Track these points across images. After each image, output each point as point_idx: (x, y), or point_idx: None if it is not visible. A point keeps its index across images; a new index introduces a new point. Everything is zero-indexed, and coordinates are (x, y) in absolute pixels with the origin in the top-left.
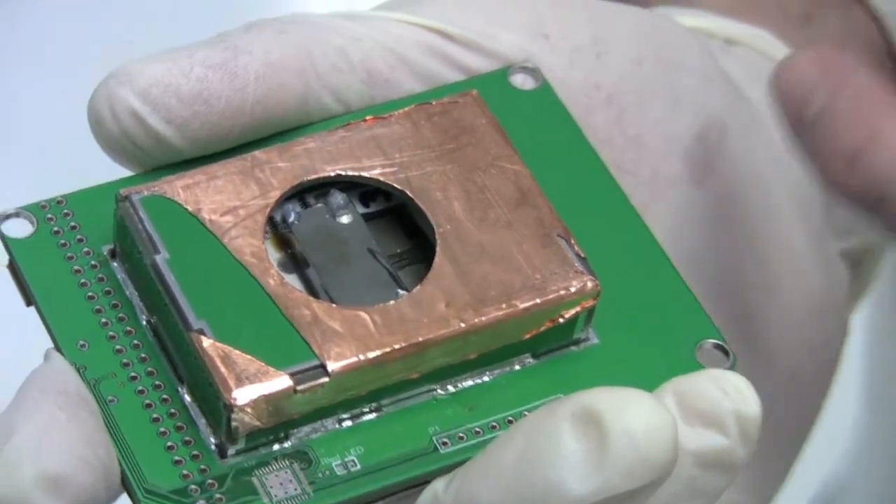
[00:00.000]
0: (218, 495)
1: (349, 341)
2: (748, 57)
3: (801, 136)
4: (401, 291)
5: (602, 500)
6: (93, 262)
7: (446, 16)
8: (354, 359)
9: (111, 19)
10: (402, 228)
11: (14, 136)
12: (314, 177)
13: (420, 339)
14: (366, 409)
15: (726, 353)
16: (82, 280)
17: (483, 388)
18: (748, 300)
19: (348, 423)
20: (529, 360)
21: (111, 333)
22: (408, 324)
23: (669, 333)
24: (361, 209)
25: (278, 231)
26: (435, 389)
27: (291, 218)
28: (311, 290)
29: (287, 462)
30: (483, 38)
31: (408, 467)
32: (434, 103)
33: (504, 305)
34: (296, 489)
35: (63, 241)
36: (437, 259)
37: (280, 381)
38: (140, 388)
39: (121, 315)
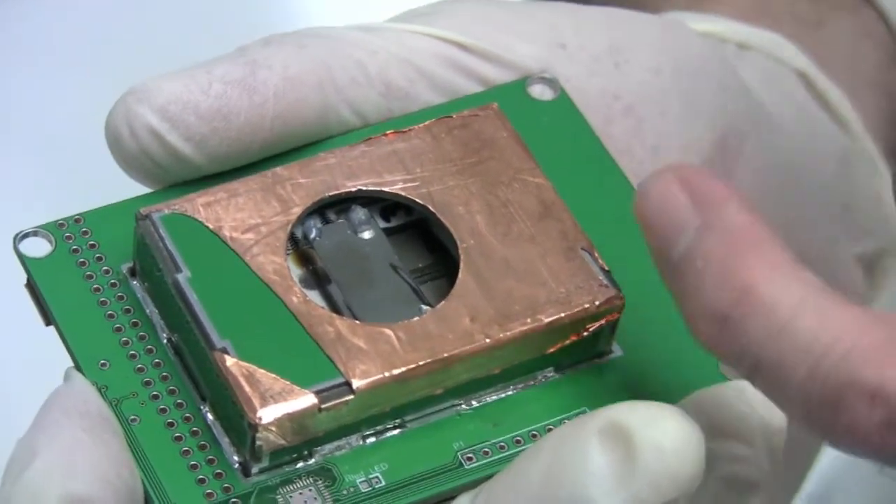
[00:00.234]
0: None
1: (373, 358)
2: (761, 62)
3: (667, 275)
4: (424, 307)
5: None
6: (112, 281)
7: (463, 27)
8: (379, 375)
9: (133, 34)
10: (424, 243)
11: (32, 155)
12: (335, 192)
13: (445, 354)
14: (390, 426)
15: None
16: (102, 298)
17: (507, 403)
18: None
19: (372, 440)
20: (553, 374)
21: (132, 352)
22: (432, 340)
23: (692, 345)
24: (383, 224)
25: (299, 247)
26: (459, 405)
27: (313, 234)
28: (334, 307)
29: (311, 479)
30: (500, 48)
31: (432, 483)
32: (454, 116)
33: (529, 320)
34: None
35: (82, 260)
36: (461, 274)
37: (305, 400)
38: (162, 406)
39: (141, 333)
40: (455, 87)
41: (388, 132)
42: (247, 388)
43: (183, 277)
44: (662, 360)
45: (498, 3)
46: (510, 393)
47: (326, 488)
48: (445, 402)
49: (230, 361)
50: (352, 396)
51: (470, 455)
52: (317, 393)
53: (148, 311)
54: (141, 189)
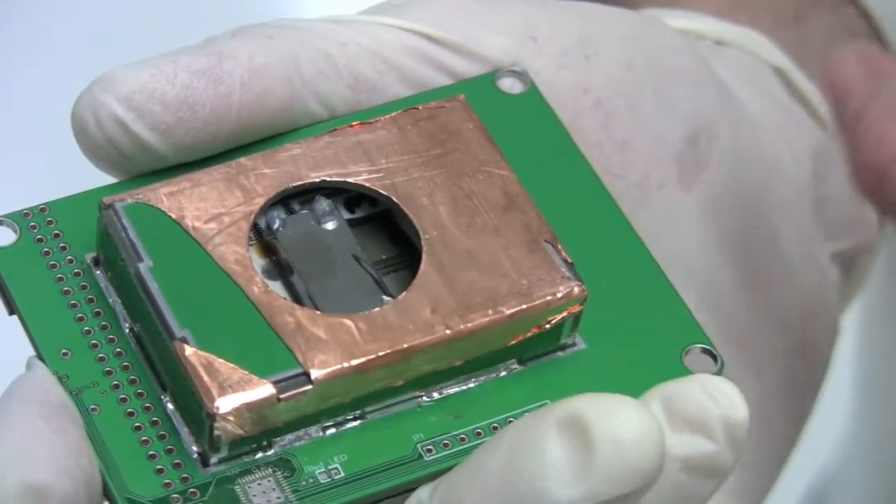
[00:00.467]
0: None
1: (333, 348)
2: (739, 58)
3: (841, 133)
4: (386, 298)
5: None
6: (76, 270)
7: (433, 20)
8: (338, 366)
9: (99, 26)
10: (388, 234)
11: None
12: (299, 183)
13: (405, 345)
14: (350, 417)
15: (714, 357)
16: (65, 288)
17: (468, 395)
18: (738, 303)
19: (332, 431)
20: (515, 367)
21: (94, 342)
22: (393, 331)
23: (657, 338)
24: (347, 215)
25: (263, 238)
26: (420, 396)
27: (276, 224)
28: (296, 297)
29: (270, 470)
30: (470, 41)
31: (392, 475)
32: (421, 108)
33: (490, 312)
34: (279, 498)
35: (46, 249)
36: (423, 265)
37: (263, 390)
38: (123, 396)
39: (104, 323)
40: (425, 79)
41: (353, 123)
42: (205, 378)
43: (144, 267)
44: (626, 354)
45: None
46: (472, 385)
47: (285, 479)
48: (406, 394)
49: (189, 351)
50: (310, 387)
51: (430, 447)
52: (275, 383)
53: (111, 300)
54: (107, 179)
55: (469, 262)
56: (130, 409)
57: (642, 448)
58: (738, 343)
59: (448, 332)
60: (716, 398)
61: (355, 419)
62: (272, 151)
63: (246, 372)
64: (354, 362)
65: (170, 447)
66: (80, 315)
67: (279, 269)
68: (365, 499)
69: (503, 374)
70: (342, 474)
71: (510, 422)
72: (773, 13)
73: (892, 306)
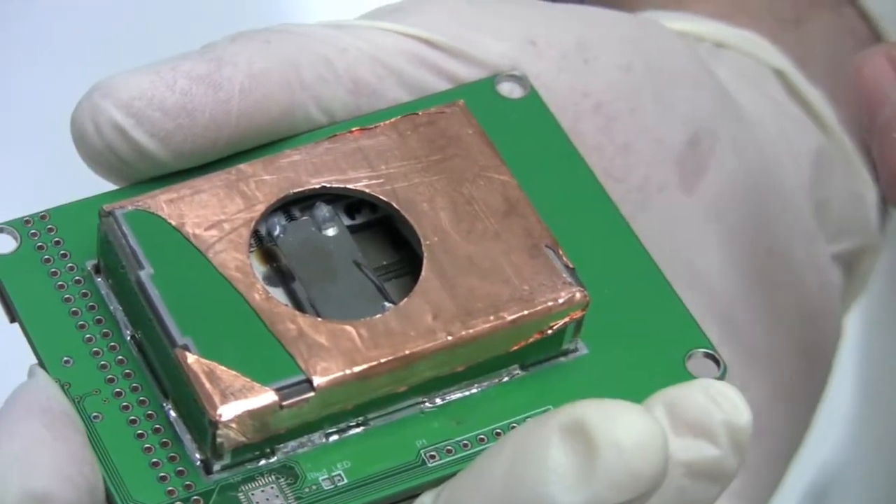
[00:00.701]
0: None
1: (335, 355)
2: (738, 60)
3: (872, 140)
4: (387, 304)
5: None
6: (77, 278)
7: (433, 24)
8: (340, 373)
9: (99, 30)
10: (389, 240)
11: None
12: (299, 189)
13: (407, 352)
14: (352, 423)
15: (717, 362)
16: (66, 295)
17: (471, 401)
18: (740, 306)
19: (335, 438)
20: (518, 372)
21: (95, 349)
22: (394, 337)
23: (659, 343)
24: (347, 221)
25: (263, 245)
26: (422, 402)
27: (277, 231)
28: (297, 304)
29: (273, 477)
30: (470, 46)
31: (395, 481)
32: (420, 114)
33: (492, 317)
34: None
35: (47, 257)
36: (424, 271)
37: (265, 397)
38: (125, 403)
39: (105, 330)
40: (424, 84)
41: (353, 129)
42: (207, 386)
43: (145, 274)
44: (628, 359)
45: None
46: (474, 391)
47: (288, 486)
48: (409, 400)
49: (191, 358)
50: (313, 394)
51: (433, 453)
52: (277, 390)
53: (112, 308)
54: (107, 186)
55: (470, 267)
56: (133, 417)
57: (645, 453)
58: (741, 346)
59: (450, 338)
60: (719, 403)
61: (358, 426)
62: (272, 158)
63: (248, 379)
64: (356, 369)
65: (172, 455)
66: (81, 322)
67: (280, 275)
68: None
69: (505, 379)
70: (345, 481)
71: (513, 427)
72: (772, 15)
73: (894, 307)
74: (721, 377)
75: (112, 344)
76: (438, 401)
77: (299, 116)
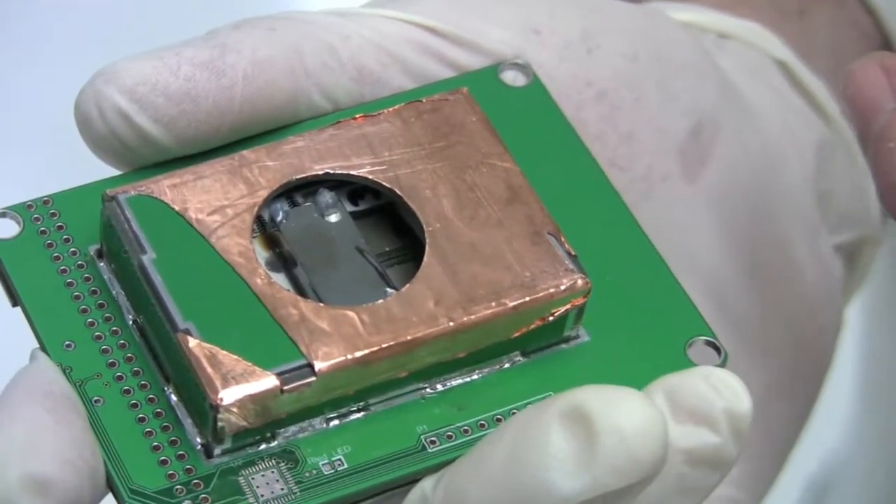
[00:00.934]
0: (204, 495)
1: (337, 341)
2: (741, 51)
3: (866, 148)
4: (389, 290)
5: (591, 498)
6: (79, 262)
7: (437, 12)
8: (342, 358)
9: (102, 16)
10: (391, 227)
11: (1, 137)
12: (302, 175)
13: (408, 337)
14: (353, 409)
15: (718, 350)
16: (69, 280)
17: (472, 387)
18: (742, 295)
19: (336, 423)
20: (519, 359)
21: (97, 333)
22: (396, 323)
23: (660, 331)
24: (350, 207)
25: (266, 230)
26: (423, 388)
27: (279, 217)
28: (299, 290)
29: (274, 462)
30: (473, 34)
31: (395, 467)
32: (424, 101)
33: (493, 304)
34: (282, 489)
35: (49, 242)
36: (427, 258)
37: (267, 381)
38: (126, 388)
39: (107, 315)
40: (428, 72)
41: (357, 116)
42: (209, 370)
43: (148, 259)
44: (630, 346)
45: None
46: (475, 377)
47: (289, 470)
48: (410, 386)
49: (193, 343)
50: (314, 378)
51: (434, 439)
52: (279, 375)
53: (114, 292)
54: (110, 171)
55: (472, 254)
56: (134, 401)
57: (646, 439)
58: (742, 335)
59: (451, 324)
60: (719, 390)
61: (359, 411)
62: (276, 144)
63: (249, 364)
64: (358, 354)
65: (173, 439)
66: (83, 307)
67: (283, 261)
68: (368, 490)
69: (507, 366)
70: (346, 466)
71: (514, 413)
72: (775, 6)
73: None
74: (722, 365)
75: (114, 328)
76: (439, 387)
77: (303, 103)
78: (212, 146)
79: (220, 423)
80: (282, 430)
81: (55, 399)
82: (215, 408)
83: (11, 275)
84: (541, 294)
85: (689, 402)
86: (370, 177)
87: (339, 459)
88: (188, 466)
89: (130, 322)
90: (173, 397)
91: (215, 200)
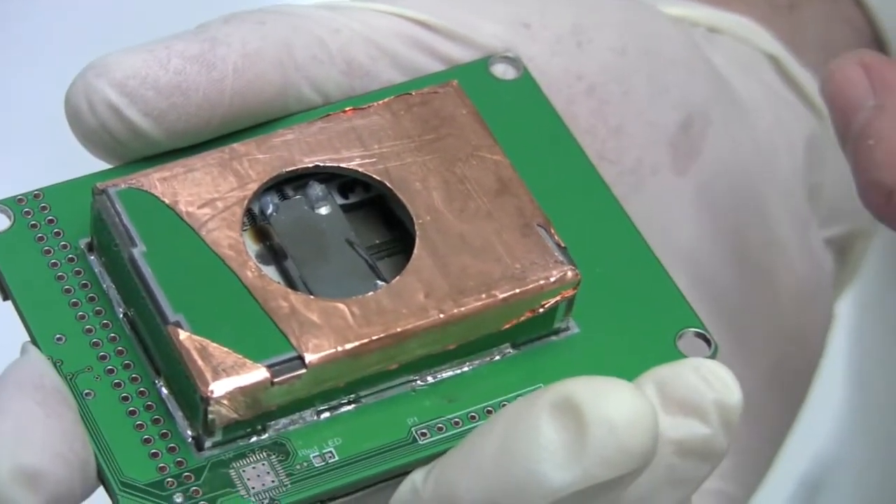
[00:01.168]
0: (194, 488)
1: (327, 333)
2: (732, 46)
3: (846, 146)
4: (380, 283)
5: (581, 489)
6: (70, 256)
7: (427, 6)
8: (332, 350)
9: (94, 12)
10: (382, 219)
11: None
12: (292, 168)
13: (399, 329)
14: (344, 401)
15: (708, 341)
16: (59, 273)
17: (462, 379)
18: (732, 288)
19: (326, 415)
20: (509, 351)
21: (88, 327)
22: (386, 315)
23: (651, 323)
24: (340, 200)
25: (257, 223)
26: (414, 380)
27: (270, 210)
28: (290, 282)
29: (265, 454)
30: (464, 28)
31: (386, 459)
32: (414, 94)
33: (483, 296)
34: (273, 481)
35: (40, 235)
36: (417, 250)
37: (257, 374)
38: (117, 380)
39: (98, 308)
40: (418, 66)
41: (346, 109)
42: (199, 362)
43: (138, 252)
44: (620, 338)
45: None
46: (466, 369)
47: (280, 463)
48: (400, 378)
49: (183, 335)
50: (304, 371)
51: (424, 431)
52: (269, 367)
53: (105, 285)
54: (101, 165)
55: (462, 246)
56: (125, 394)
57: (636, 430)
58: (732, 328)
59: (441, 316)
60: (709, 381)
61: (349, 403)
62: (266, 137)
63: (240, 356)
64: (348, 346)
65: (164, 431)
66: (74, 300)
67: (273, 254)
68: (359, 483)
69: (497, 358)
70: (336, 458)
71: (504, 405)
72: (766, 1)
73: (887, 292)
74: (712, 357)
75: (104, 321)
76: (430, 379)
77: (293, 96)
78: (202, 139)
79: (210, 416)
80: (272, 422)
81: (46, 392)
82: (206, 400)
83: (2, 268)
84: (531, 286)
85: (679, 393)
86: (360, 169)
87: (330, 452)
88: (179, 459)
89: (121, 315)
90: (164, 390)
91: (205, 193)
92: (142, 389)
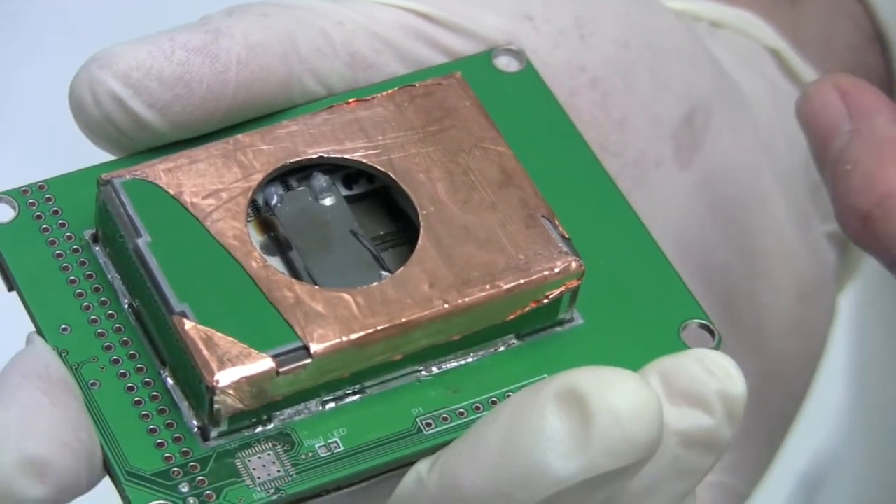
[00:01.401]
0: (200, 478)
1: (332, 323)
2: (734, 40)
3: (823, 171)
4: (384, 273)
5: (586, 479)
6: (74, 247)
7: None
8: (337, 340)
9: (98, 5)
10: (386, 210)
11: None
12: (297, 159)
13: (403, 320)
14: (349, 391)
15: (712, 332)
16: (64, 264)
17: (467, 370)
18: (735, 281)
19: (331, 405)
20: (514, 342)
21: (93, 317)
22: (391, 305)
23: (654, 314)
24: (344, 191)
25: (261, 214)
26: (419, 371)
27: (274, 201)
28: (294, 273)
29: (270, 444)
30: (467, 20)
31: (391, 449)
32: (417, 85)
33: (488, 286)
34: (279, 471)
35: (45, 226)
36: (421, 241)
37: (262, 363)
38: (122, 371)
39: (103, 299)
40: (421, 58)
41: (350, 100)
42: (204, 352)
43: (143, 242)
44: (624, 329)
45: None
46: (470, 360)
47: (285, 453)
48: (405, 369)
49: (188, 325)
50: (309, 360)
51: (429, 421)
52: (274, 357)
53: (110, 276)
54: (106, 156)
55: (466, 237)
56: (130, 384)
57: (641, 420)
58: (734, 321)
59: (446, 306)
60: (713, 372)
61: (354, 393)
62: (270, 128)
63: (245, 346)
64: (353, 336)
65: (170, 421)
66: (79, 291)
67: (277, 244)
68: (364, 472)
69: (501, 348)
70: (341, 448)
71: (508, 396)
72: None
73: (887, 289)
74: (716, 348)
75: (110, 312)
76: (435, 369)
77: (296, 88)
78: (206, 131)
79: (216, 406)
80: (278, 412)
81: (51, 382)
82: (211, 390)
83: (7, 259)
84: (535, 276)
85: (683, 383)
86: (364, 161)
87: (335, 442)
88: (185, 449)
89: (126, 306)
90: (169, 380)
91: (210, 184)
92: (147, 380)
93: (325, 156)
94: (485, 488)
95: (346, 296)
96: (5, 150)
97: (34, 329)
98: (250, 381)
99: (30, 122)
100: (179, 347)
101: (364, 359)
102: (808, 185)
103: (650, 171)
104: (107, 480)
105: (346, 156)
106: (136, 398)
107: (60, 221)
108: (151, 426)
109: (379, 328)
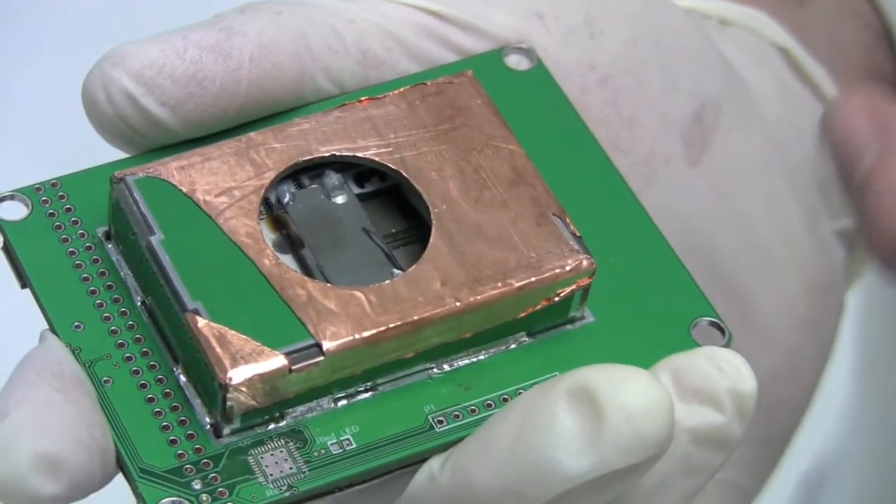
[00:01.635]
0: (213, 475)
1: (344, 320)
2: (743, 38)
3: (849, 189)
4: (396, 271)
5: (597, 477)
6: (87, 244)
7: None
8: (349, 338)
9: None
10: (397, 208)
11: (9, 119)
12: (309, 157)
13: (415, 317)
14: (361, 389)
15: (722, 330)
16: (77, 262)
17: (479, 367)
18: (744, 279)
19: (344, 403)
20: (525, 339)
21: (106, 315)
22: (403, 303)
23: (665, 311)
24: (356, 189)
25: (273, 212)
26: (430, 368)
27: (286, 199)
28: (307, 271)
29: (282, 441)
30: (478, 18)
31: (403, 446)
32: (429, 84)
33: (499, 284)
34: (291, 468)
35: (58, 224)
36: (433, 239)
37: (275, 361)
38: (135, 368)
39: (116, 296)
40: (432, 56)
41: (362, 98)
42: (217, 349)
43: (156, 240)
44: (634, 327)
45: None
46: (482, 357)
47: (298, 450)
48: (417, 366)
49: (201, 322)
50: (322, 358)
51: (441, 418)
52: (287, 354)
53: (122, 274)
54: (118, 154)
55: (478, 235)
56: (143, 381)
57: (652, 418)
58: (744, 319)
59: (458, 304)
60: (724, 370)
61: (366, 391)
62: (282, 126)
63: (258, 343)
64: (365, 334)
65: (182, 418)
66: (92, 288)
67: (290, 242)
68: (376, 470)
69: (513, 346)
70: (354, 445)
71: (520, 393)
72: None
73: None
74: (726, 345)
75: (123, 309)
76: (446, 367)
77: (308, 86)
78: (218, 129)
79: (229, 403)
80: (290, 409)
81: (64, 379)
82: (224, 387)
83: (20, 256)
84: (546, 274)
85: (694, 381)
86: (376, 159)
87: (348, 439)
88: (197, 446)
89: (139, 303)
90: (182, 378)
91: (222, 182)
92: (160, 377)
93: (338, 154)
94: (496, 485)
95: (358, 293)
96: (5, 150)
97: (47, 326)
98: (263, 378)
99: (30, 122)
100: (192, 345)
101: (376, 356)
102: (816, 183)
103: (660, 168)
104: (120, 477)
105: (359, 154)
106: (149, 395)
107: (73, 219)
108: (164, 423)
109: (391, 326)
